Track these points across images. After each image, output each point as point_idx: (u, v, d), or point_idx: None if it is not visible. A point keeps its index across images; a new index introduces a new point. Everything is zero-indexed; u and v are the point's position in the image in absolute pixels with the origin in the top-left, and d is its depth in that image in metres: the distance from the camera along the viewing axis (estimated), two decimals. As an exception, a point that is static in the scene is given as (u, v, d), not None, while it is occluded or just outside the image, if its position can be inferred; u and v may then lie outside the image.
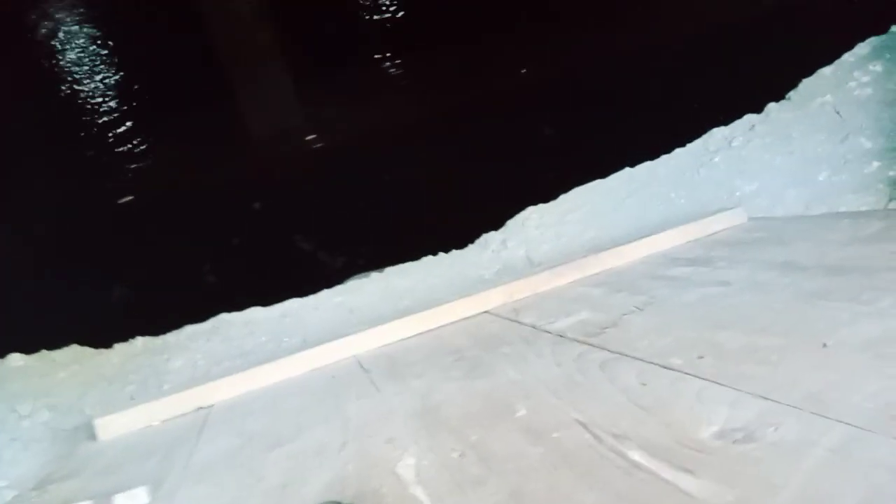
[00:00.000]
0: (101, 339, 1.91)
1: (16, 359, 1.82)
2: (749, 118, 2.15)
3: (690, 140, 2.19)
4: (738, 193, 1.93)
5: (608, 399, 0.82)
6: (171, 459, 1.07)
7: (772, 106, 2.14)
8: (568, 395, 0.87)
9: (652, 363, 0.90)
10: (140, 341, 1.86)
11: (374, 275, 2.05)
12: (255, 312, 1.92)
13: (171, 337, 1.87)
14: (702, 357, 0.87)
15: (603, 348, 1.02)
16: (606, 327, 1.11)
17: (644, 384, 0.84)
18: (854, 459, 0.55)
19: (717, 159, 2.07)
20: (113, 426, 1.29)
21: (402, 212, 3.93)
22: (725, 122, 2.18)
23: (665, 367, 0.87)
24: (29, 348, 1.85)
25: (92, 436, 1.30)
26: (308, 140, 6.30)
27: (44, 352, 1.86)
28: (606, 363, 0.95)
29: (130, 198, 5.37)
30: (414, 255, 2.65)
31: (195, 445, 1.10)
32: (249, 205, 4.81)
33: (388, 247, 3.72)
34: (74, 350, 1.85)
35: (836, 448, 0.57)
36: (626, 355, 0.96)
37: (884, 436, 0.57)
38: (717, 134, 2.15)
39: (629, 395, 0.82)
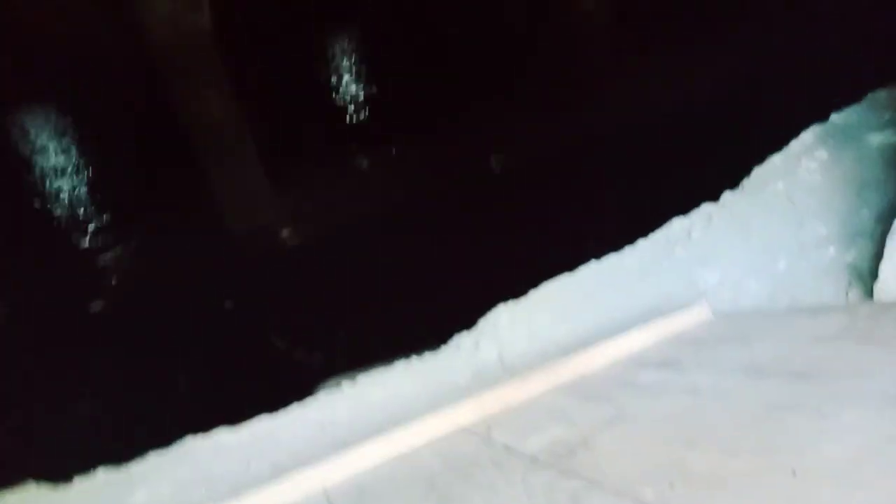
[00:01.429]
0: (61, 471, 1.83)
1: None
2: (706, 208, 2.20)
3: (652, 231, 2.24)
4: (701, 284, 1.96)
5: (579, 542, 0.80)
6: None
7: (727, 195, 2.20)
8: (538, 537, 0.84)
9: (623, 494, 0.87)
10: (102, 475, 1.77)
11: (346, 386, 2.01)
12: (223, 435, 1.86)
13: (135, 466, 1.79)
14: (672, 485, 0.85)
15: (574, 474, 0.99)
16: (577, 447, 1.09)
17: (615, 522, 0.81)
18: None
19: (678, 250, 2.10)
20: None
21: (378, 307, 3.92)
22: (684, 212, 2.23)
23: (636, 501, 0.84)
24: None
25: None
26: (283, 235, 6.32)
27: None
28: (577, 495, 0.92)
29: (101, 303, 5.29)
30: (388, 355, 2.61)
31: None
32: (223, 305, 4.77)
33: (365, 342, 3.69)
34: (30, 491, 1.76)
35: None
36: (597, 483, 0.93)
37: None
38: (677, 224, 2.19)
39: (600, 537, 0.79)
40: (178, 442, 1.84)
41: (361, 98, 7.60)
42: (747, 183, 2.21)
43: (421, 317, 3.28)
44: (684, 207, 2.23)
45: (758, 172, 2.23)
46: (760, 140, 2.38)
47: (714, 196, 2.23)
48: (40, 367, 3.90)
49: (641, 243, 2.16)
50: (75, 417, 3.39)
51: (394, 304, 3.78)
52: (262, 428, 1.85)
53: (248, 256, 5.44)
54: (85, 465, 1.84)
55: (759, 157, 2.30)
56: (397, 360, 2.22)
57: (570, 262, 2.21)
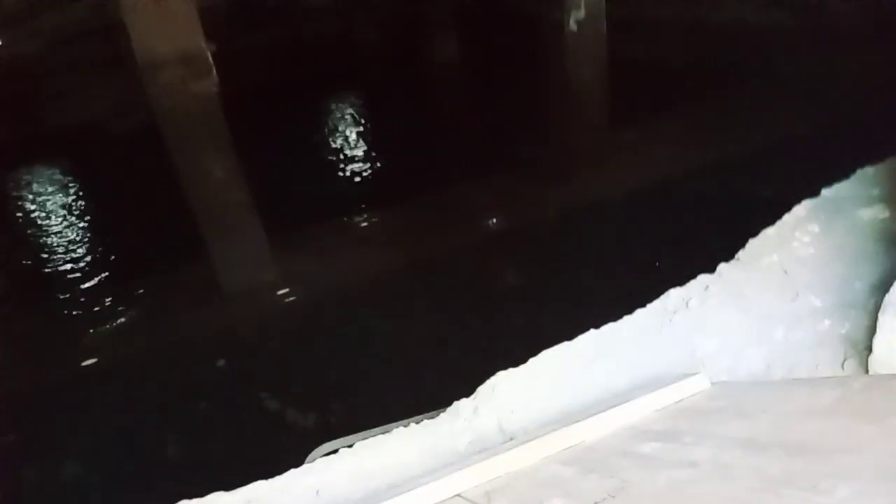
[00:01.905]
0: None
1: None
2: (703, 278, 2.25)
3: (650, 300, 2.28)
4: (699, 353, 1.98)
5: None
6: None
7: (723, 266, 2.25)
8: None
9: (624, 569, 0.88)
10: (94, 539, 1.75)
11: (343, 452, 2.00)
12: (217, 498, 1.84)
13: (129, 530, 1.77)
14: (673, 561, 0.86)
15: (575, 548, 0.99)
16: (578, 519, 1.09)
17: None
18: None
19: (676, 319, 2.13)
20: None
21: (374, 370, 3.91)
22: (681, 283, 2.28)
23: (637, 575, 0.85)
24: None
25: None
26: (280, 294, 6.34)
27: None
28: (578, 569, 0.92)
29: (94, 360, 5.27)
30: (387, 418, 2.60)
31: None
32: (216, 364, 4.75)
33: (360, 406, 3.67)
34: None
35: None
36: (599, 557, 0.94)
37: None
38: (675, 294, 2.23)
39: None
40: (172, 505, 1.82)
41: (362, 160, 7.78)
42: (742, 254, 2.27)
43: (419, 382, 3.28)
44: (681, 278, 2.28)
45: (752, 244, 2.29)
46: (754, 213, 2.45)
47: (710, 267, 2.28)
48: (35, 424, 3.86)
49: (639, 312, 2.20)
50: (70, 476, 3.33)
51: (391, 369, 3.78)
52: (258, 493, 1.83)
53: (243, 316, 5.45)
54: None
55: (754, 230, 2.37)
56: (395, 425, 2.21)
57: (568, 330, 2.24)
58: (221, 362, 4.51)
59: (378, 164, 7.36)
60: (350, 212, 6.26)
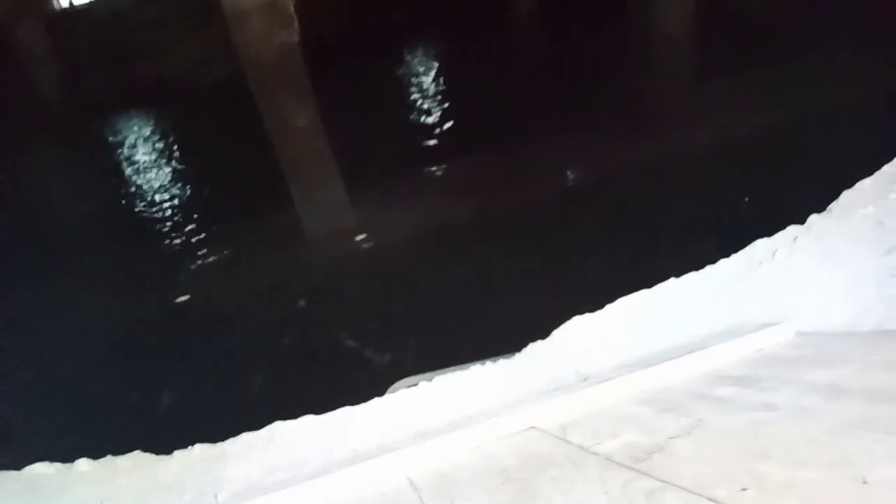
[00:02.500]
0: (162, 444, 1.99)
1: (83, 464, 1.91)
2: (792, 229, 2.18)
3: (735, 251, 2.23)
4: (784, 306, 1.94)
5: (653, 532, 0.85)
6: (230, 577, 1.11)
7: (814, 218, 2.17)
8: (614, 526, 0.89)
9: (697, 494, 0.91)
10: (198, 449, 1.93)
11: (423, 384, 2.10)
12: (309, 421, 1.98)
13: (229, 444, 1.94)
14: (745, 489, 0.89)
15: (650, 475, 1.04)
16: (653, 452, 1.13)
17: (689, 517, 0.86)
18: None
19: (761, 271, 2.09)
20: (174, 539, 1.34)
21: (449, 313, 4.01)
22: (769, 234, 2.22)
23: (710, 500, 0.89)
24: (96, 453, 1.94)
25: (153, 549, 1.35)
26: (358, 240, 6.52)
27: (109, 457, 1.95)
28: (653, 493, 0.97)
29: (187, 297, 5.62)
30: (461, 360, 2.70)
31: (252, 563, 1.14)
32: (298, 303, 4.98)
33: (435, 347, 3.78)
34: (137, 456, 1.94)
35: None
36: (673, 484, 0.98)
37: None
38: (761, 245, 2.18)
39: (674, 529, 0.84)
40: (267, 426, 1.98)
41: (441, 110, 7.77)
42: (835, 206, 2.18)
43: (493, 326, 3.35)
44: (769, 229, 2.21)
45: (847, 196, 2.19)
46: (851, 164, 2.34)
47: (800, 219, 2.21)
48: (136, 357, 4.19)
49: (723, 263, 2.16)
50: (167, 403, 3.63)
51: (466, 313, 3.87)
52: (345, 417, 1.96)
53: (324, 260, 5.66)
54: (183, 441, 2.00)
55: (849, 182, 2.26)
56: (471, 364, 2.30)
57: (647, 278, 2.24)
58: (302, 302, 4.73)
59: (456, 114, 7.34)
60: (428, 161, 6.31)
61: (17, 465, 1.88)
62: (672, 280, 2.22)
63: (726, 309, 2.03)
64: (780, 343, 1.60)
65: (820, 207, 2.22)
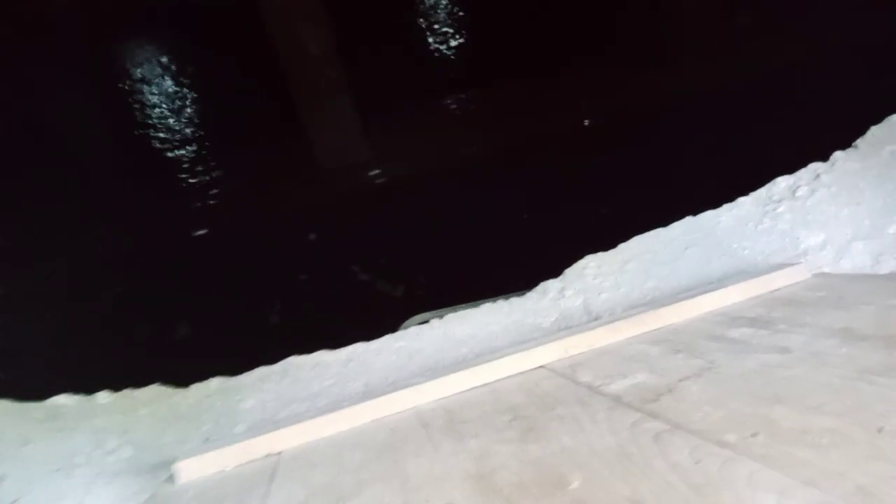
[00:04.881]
0: (180, 377, 2.04)
1: (103, 396, 1.97)
2: (814, 166, 2.12)
3: (754, 188, 2.18)
4: (802, 245, 1.91)
5: (660, 476, 0.85)
6: (243, 508, 1.14)
7: (838, 154, 2.10)
8: (620, 469, 0.89)
9: (706, 439, 0.91)
10: (215, 381, 1.97)
11: (435, 321, 2.11)
12: (322, 356, 2.01)
13: (244, 378, 1.98)
14: (755, 435, 0.88)
15: (658, 417, 1.03)
16: (662, 393, 1.13)
17: (697, 462, 0.85)
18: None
19: (781, 209, 2.04)
20: (189, 470, 1.38)
21: (461, 248, 4.00)
22: (790, 170, 2.15)
23: (719, 445, 0.88)
24: (116, 385, 1.99)
25: (170, 478, 1.40)
26: (372, 174, 6.48)
27: (128, 390, 2.00)
28: (661, 435, 0.97)
29: (204, 231, 5.66)
30: (472, 297, 2.70)
31: (265, 496, 1.17)
32: (312, 237, 4.99)
33: (447, 282, 3.80)
34: (156, 389, 1.98)
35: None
36: (681, 427, 0.97)
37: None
38: (782, 182, 2.12)
39: (680, 473, 0.84)
40: (282, 360, 2.01)
41: (456, 41, 7.54)
42: (861, 142, 2.11)
43: (505, 263, 3.34)
44: (790, 165, 2.15)
45: (874, 131, 2.12)
46: (879, 99, 2.24)
47: (824, 155, 2.14)
48: (152, 291, 4.25)
49: (741, 200, 2.12)
50: (182, 336, 3.70)
51: (478, 249, 3.85)
52: (357, 352, 1.98)
53: (336, 192, 5.63)
54: (200, 374, 2.04)
55: (877, 117, 2.18)
56: (483, 301, 2.30)
57: (663, 216, 2.20)
58: (316, 236, 4.73)
59: (475, 45, 7.12)
60: (444, 93, 6.17)
61: (40, 396, 1.94)
62: (688, 218, 2.18)
63: (742, 248, 2.00)
64: (797, 284, 1.58)
65: (846, 144, 2.15)
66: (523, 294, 2.20)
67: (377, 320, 2.49)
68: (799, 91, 3.33)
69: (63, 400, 1.96)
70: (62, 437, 1.76)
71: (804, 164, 2.13)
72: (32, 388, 2.01)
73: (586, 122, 4.46)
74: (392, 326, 2.39)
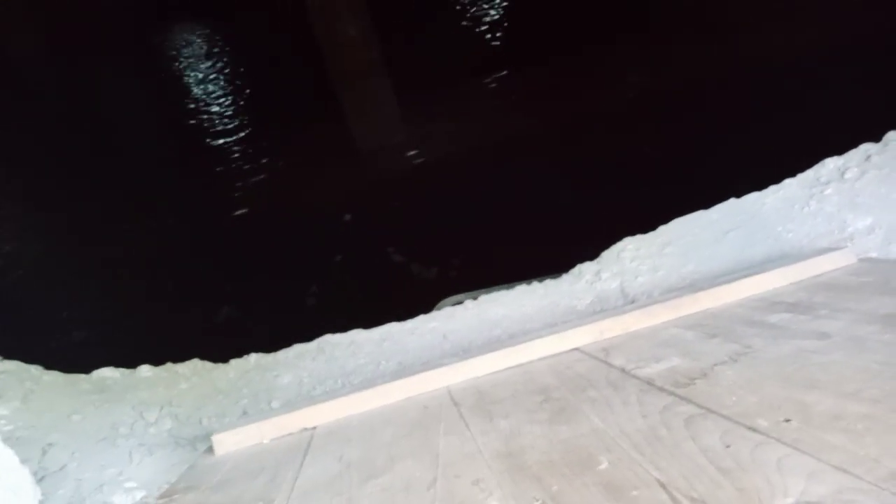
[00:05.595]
0: (219, 353, 2.09)
1: (145, 370, 2.03)
2: (865, 147, 2.04)
3: (801, 170, 2.11)
4: (849, 229, 1.84)
5: (689, 458, 0.84)
6: (278, 480, 1.17)
7: (891, 135, 2.02)
8: (650, 451, 0.89)
9: (737, 423, 0.90)
10: (253, 358, 2.02)
11: (469, 302, 2.11)
12: (357, 334, 2.04)
13: (281, 355, 2.02)
14: (788, 420, 0.86)
15: (690, 401, 1.02)
16: (696, 378, 1.11)
17: (727, 446, 0.84)
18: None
19: (828, 191, 1.97)
20: (228, 442, 1.42)
21: (497, 230, 3.99)
22: (839, 152, 2.08)
23: (750, 429, 0.87)
24: (156, 360, 2.06)
25: (209, 449, 1.44)
26: (409, 155, 6.49)
27: (169, 364, 2.06)
28: (692, 419, 0.95)
29: (244, 210, 5.76)
30: (506, 279, 2.69)
31: (299, 468, 1.20)
32: (348, 217, 5.03)
33: (481, 265, 3.79)
34: (195, 363, 2.04)
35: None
36: (713, 411, 0.96)
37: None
38: (830, 164, 2.05)
39: (710, 457, 0.83)
40: (317, 338, 2.05)
41: (493, 19, 7.46)
42: (916, 123, 2.02)
43: (542, 244, 3.32)
44: (840, 147, 2.07)
45: (931, 111, 2.02)
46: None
47: (875, 136, 2.05)
48: (196, 264, 4.36)
49: (787, 182, 2.05)
50: (224, 316, 3.79)
51: (515, 231, 3.84)
52: (391, 332, 2.00)
53: (373, 174, 5.66)
54: (238, 351, 2.09)
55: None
56: (517, 283, 2.29)
57: (705, 198, 2.15)
58: (348, 216, 4.76)
59: (512, 23, 7.04)
60: (481, 73, 6.12)
61: (86, 369, 2.01)
62: (732, 200, 2.13)
63: (786, 231, 1.94)
64: (841, 269, 1.53)
65: (899, 124, 2.06)
66: (558, 276, 2.18)
67: (411, 302, 2.51)
68: (852, 69, 3.20)
69: (108, 373, 2.03)
70: (107, 408, 1.83)
71: (855, 146, 2.05)
72: (79, 361, 2.09)
73: (627, 102, 4.38)
74: (425, 308, 2.41)
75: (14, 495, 1.05)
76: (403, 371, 1.71)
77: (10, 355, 1.99)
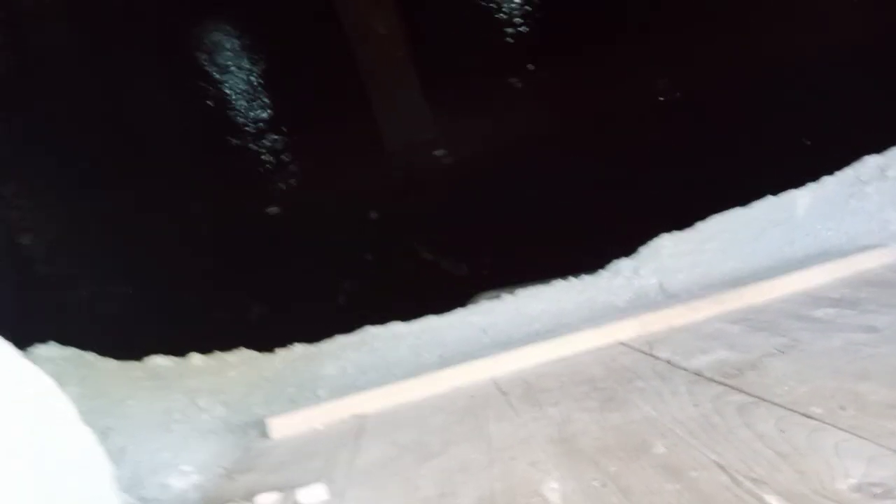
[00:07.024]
0: (266, 343, 2.15)
1: (195, 358, 2.10)
2: (907, 146, 2.03)
3: (840, 168, 2.11)
4: (892, 227, 1.84)
5: (745, 443, 0.86)
6: (335, 462, 1.21)
7: (934, 133, 2.01)
8: (705, 436, 0.91)
9: (791, 410, 0.92)
10: (299, 348, 2.07)
11: (506, 296, 2.14)
12: (397, 327, 2.08)
13: (325, 345, 2.07)
14: (843, 408, 0.89)
15: (741, 391, 1.04)
16: (745, 369, 1.14)
17: (782, 431, 0.87)
18: None
19: (869, 189, 1.98)
20: (282, 426, 1.47)
21: (528, 227, 4.01)
22: (880, 150, 2.07)
23: (804, 416, 0.89)
24: (206, 349, 2.13)
25: (263, 433, 1.50)
26: (437, 154, 6.53)
27: (217, 353, 2.13)
28: (745, 406, 0.98)
29: (277, 209, 5.84)
30: (542, 275, 2.71)
31: (355, 451, 1.24)
32: (374, 216, 5.07)
33: (514, 262, 3.81)
34: (243, 353, 2.11)
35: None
36: (765, 400, 0.98)
37: None
38: (871, 162, 2.05)
39: (766, 441, 0.85)
40: (359, 329, 2.10)
41: (524, 15, 7.46)
42: (960, 121, 2.01)
43: (577, 242, 3.33)
44: (880, 145, 2.07)
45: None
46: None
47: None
48: (227, 269, 4.44)
49: (826, 180, 2.06)
50: (257, 315, 3.86)
51: (549, 228, 3.84)
52: (430, 325, 2.04)
53: (401, 172, 5.71)
54: (284, 342, 2.15)
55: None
56: (555, 279, 2.31)
57: (743, 195, 2.15)
58: (374, 214, 4.80)
59: (542, 19, 7.02)
60: (510, 70, 6.12)
61: (139, 356, 2.09)
62: (770, 198, 2.13)
63: (826, 229, 1.95)
64: (884, 266, 1.54)
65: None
66: (596, 273, 2.21)
67: (445, 299, 2.54)
68: (892, 66, 3.16)
69: (159, 361, 2.10)
70: (160, 395, 1.90)
71: (895, 143, 2.05)
72: (131, 348, 2.17)
73: (662, 97, 4.35)
74: (460, 304, 2.44)
75: (90, 472, 1.10)
76: (445, 362, 1.75)
77: (66, 342, 2.07)
